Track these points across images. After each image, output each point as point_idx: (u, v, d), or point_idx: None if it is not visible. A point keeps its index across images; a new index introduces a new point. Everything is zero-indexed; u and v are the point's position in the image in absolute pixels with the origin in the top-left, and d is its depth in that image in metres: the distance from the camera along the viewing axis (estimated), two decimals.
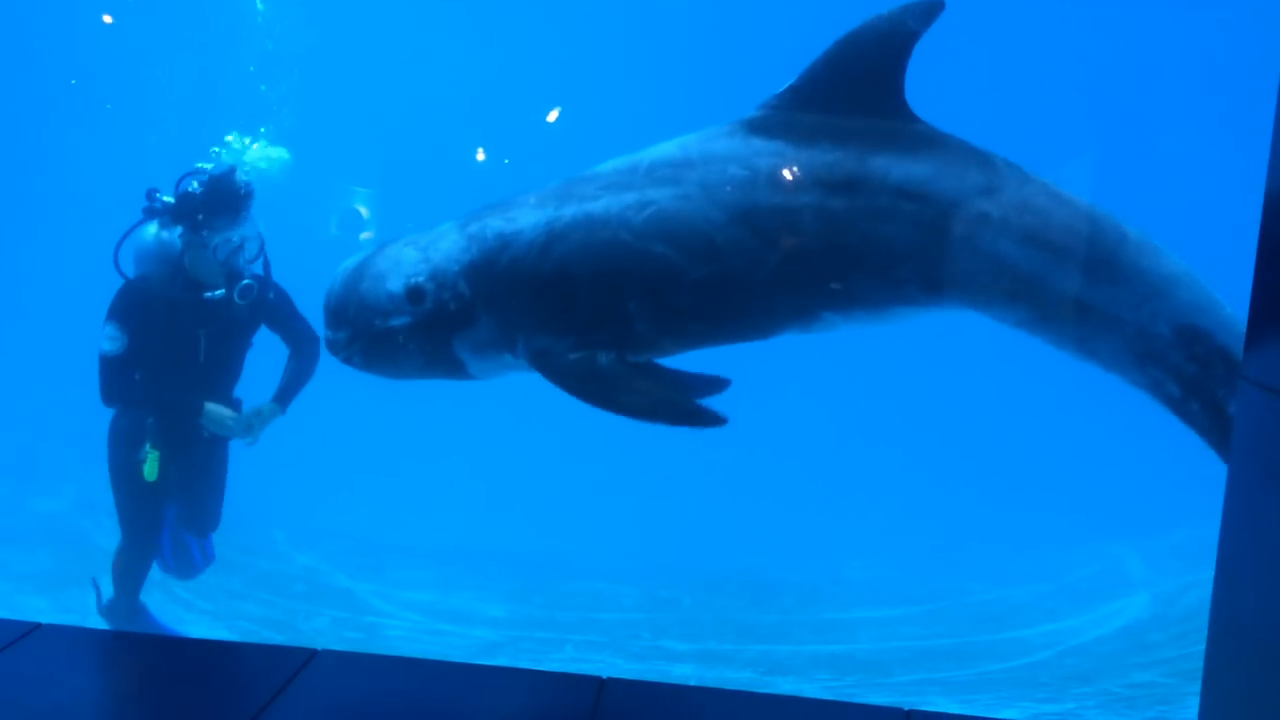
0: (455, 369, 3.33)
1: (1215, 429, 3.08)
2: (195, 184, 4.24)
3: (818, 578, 7.32)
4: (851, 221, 3.07)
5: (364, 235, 10.76)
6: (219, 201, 4.19)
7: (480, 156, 11.06)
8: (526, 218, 3.19)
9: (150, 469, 4.36)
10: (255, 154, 4.52)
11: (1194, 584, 6.22)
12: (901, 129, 3.17)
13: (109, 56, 10.02)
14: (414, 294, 3.21)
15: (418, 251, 3.27)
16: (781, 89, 3.24)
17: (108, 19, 10.25)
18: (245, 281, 4.29)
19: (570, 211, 3.15)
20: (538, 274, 3.13)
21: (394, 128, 10.31)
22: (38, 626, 2.89)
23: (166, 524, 4.65)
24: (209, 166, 4.31)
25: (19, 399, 8.42)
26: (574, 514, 7.98)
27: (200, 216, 4.18)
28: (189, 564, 4.80)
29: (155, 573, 4.88)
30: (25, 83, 9.88)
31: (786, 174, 3.13)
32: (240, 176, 4.24)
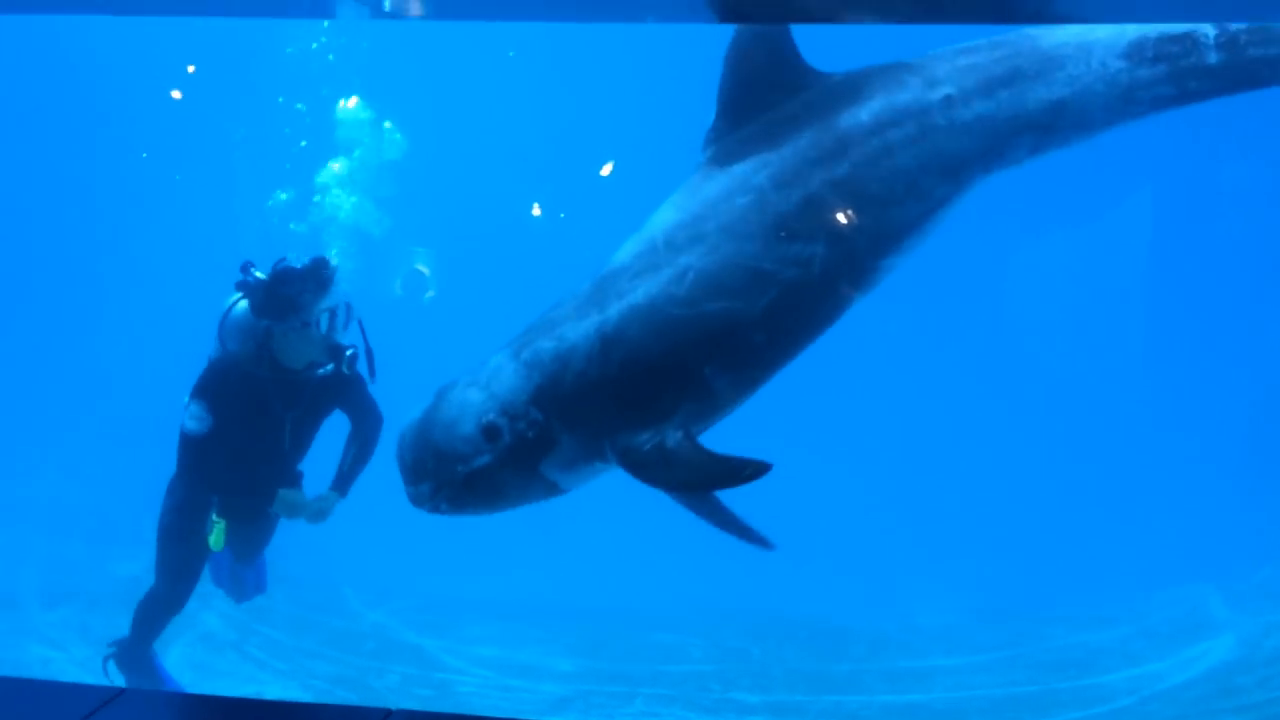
0: (548, 490, 3.38)
1: (1217, 84, 3.27)
2: (287, 271, 4.22)
3: (888, 625, 7.20)
4: (863, 175, 3.24)
5: (428, 295, 10.95)
6: (309, 283, 4.19)
7: (536, 211, 11.23)
8: (574, 330, 3.23)
9: (217, 540, 4.34)
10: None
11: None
12: (829, 87, 3.35)
13: (179, 130, 10.40)
14: (490, 432, 3.24)
15: (480, 390, 3.29)
16: (711, 124, 3.40)
17: (176, 95, 10.66)
18: (350, 350, 4.22)
19: (614, 310, 3.20)
20: (605, 379, 3.18)
21: (452, 186, 10.51)
22: (122, 692, 2.95)
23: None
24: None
25: (100, 463, 8.65)
26: (637, 565, 7.95)
27: (295, 297, 4.15)
28: (240, 589, 4.75)
29: (229, 633, 4.95)
30: (97, 157, 10.28)
31: (785, 174, 3.24)
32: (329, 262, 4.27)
